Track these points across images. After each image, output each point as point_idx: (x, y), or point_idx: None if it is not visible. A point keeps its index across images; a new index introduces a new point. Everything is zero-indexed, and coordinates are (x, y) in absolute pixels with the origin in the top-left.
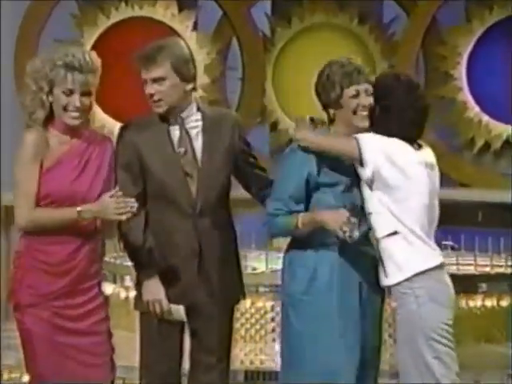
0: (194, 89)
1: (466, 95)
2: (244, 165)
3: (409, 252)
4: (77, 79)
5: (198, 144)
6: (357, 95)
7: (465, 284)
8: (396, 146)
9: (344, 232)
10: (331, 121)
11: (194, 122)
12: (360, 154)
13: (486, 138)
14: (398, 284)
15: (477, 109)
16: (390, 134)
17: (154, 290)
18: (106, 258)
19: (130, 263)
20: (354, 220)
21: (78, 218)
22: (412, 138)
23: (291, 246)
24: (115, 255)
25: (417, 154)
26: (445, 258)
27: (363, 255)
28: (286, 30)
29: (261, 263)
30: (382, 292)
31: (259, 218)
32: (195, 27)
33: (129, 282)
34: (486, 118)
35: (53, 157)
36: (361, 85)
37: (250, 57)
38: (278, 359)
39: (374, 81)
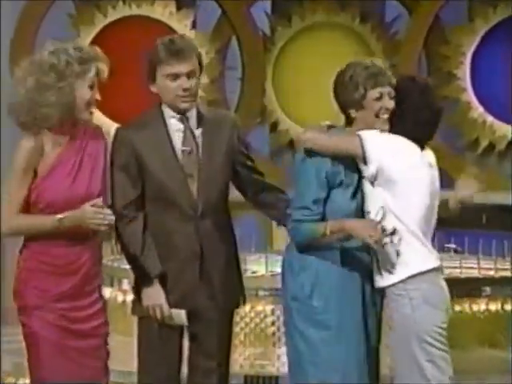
0: None
1: (470, 95)
2: (241, 167)
3: (406, 253)
4: (102, 70)
5: (200, 145)
6: (380, 97)
7: (468, 288)
8: (401, 145)
9: (374, 241)
10: (349, 122)
11: (195, 122)
12: (363, 151)
13: (490, 138)
14: (393, 285)
15: (481, 109)
16: (404, 135)
17: (154, 294)
18: (103, 261)
19: (127, 266)
20: (383, 228)
21: (59, 225)
22: (425, 139)
23: (290, 248)
24: (112, 258)
25: (421, 155)
26: (448, 261)
27: (364, 256)
28: (286, 29)
29: (260, 266)
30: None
31: (259, 221)
32: (194, 26)
33: (126, 285)
34: (490, 118)
35: (47, 163)
36: (384, 87)
37: (250, 56)
38: (279, 364)
39: (395, 84)
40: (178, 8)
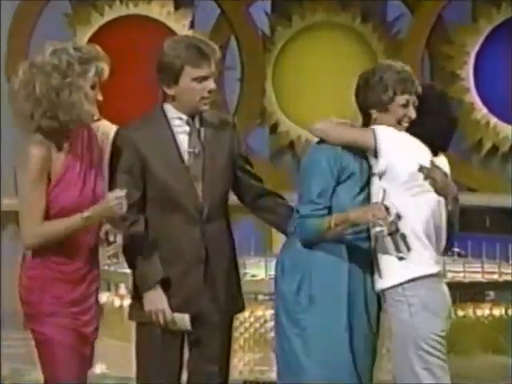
0: None
1: (474, 96)
2: (240, 172)
3: (408, 255)
4: (103, 70)
5: (204, 147)
6: (406, 105)
7: (472, 292)
8: (413, 144)
9: (379, 219)
10: (365, 123)
11: (199, 124)
12: (376, 144)
13: (494, 140)
14: (392, 289)
15: (484, 110)
16: (423, 142)
17: (157, 299)
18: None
19: (124, 270)
20: (387, 206)
21: (84, 223)
22: (440, 147)
23: (284, 248)
24: (109, 262)
25: (432, 159)
26: (451, 265)
27: (363, 259)
28: (286, 28)
29: (260, 270)
30: (378, 301)
31: (258, 224)
32: (192, 26)
33: (123, 289)
34: (494, 119)
35: (57, 169)
36: (411, 95)
37: (249, 56)
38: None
39: (420, 93)
40: (176, 7)
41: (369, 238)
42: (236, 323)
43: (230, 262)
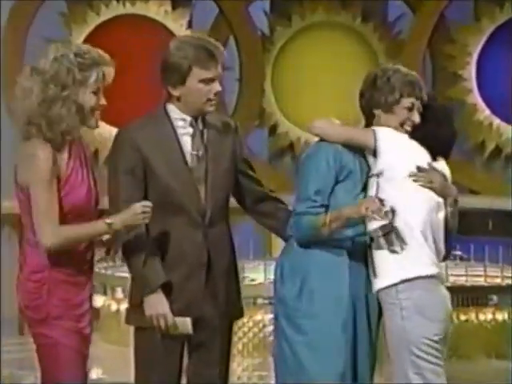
0: None
1: (476, 97)
2: (242, 176)
3: (403, 255)
4: (106, 74)
5: (207, 150)
6: (411, 108)
7: (474, 296)
8: (412, 146)
9: (372, 211)
10: (369, 123)
11: (202, 126)
12: (375, 144)
13: (497, 142)
14: (387, 290)
15: (487, 111)
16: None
17: (158, 303)
18: (96, 269)
19: (121, 274)
20: (380, 198)
21: (108, 230)
22: (441, 155)
23: (284, 252)
24: (105, 265)
25: (431, 161)
26: (453, 269)
27: (360, 262)
28: (285, 28)
29: (259, 274)
30: (379, 306)
31: (257, 227)
32: (190, 25)
33: (120, 293)
34: (496, 121)
35: (63, 171)
36: (417, 100)
37: (248, 56)
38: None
39: (425, 101)
40: (174, 7)
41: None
42: (234, 328)
43: (230, 267)
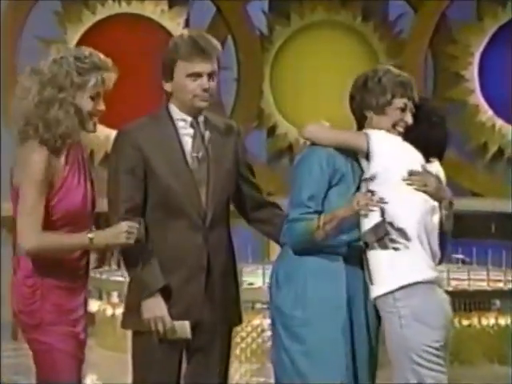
0: None
1: (478, 98)
2: (242, 181)
3: (398, 261)
4: (106, 79)
5: (209, 151)
6: (404, 109)
7: (477, 301)
8: (405, 148)
9: (364, 205)
10: (360, 127)
11: (204, 128)
12: (368, 147)
13: (500, 143)
14: (384, 297)
15: (490, 112)
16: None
17: (156, 306)
18: (91, 273)
19: (117, 278)
20: (370, 190)
21: (89, 245)
22: (434, 156)
23: (279, 258)
24: (101, 269)
25: (424, 163)
26: (455, 273)
27: (357, 269)
28: (284, 27)
29: (257, 278)
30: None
31: (255, 231)
32: (187, 25)
33: (116, 298)
34: (499, 122)
35: (59, 174)
36: (409, 101)
37: (246, 56)
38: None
39: (417, 102)
40: (170, 6)
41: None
42: (232, 333)
43: (230, 271)
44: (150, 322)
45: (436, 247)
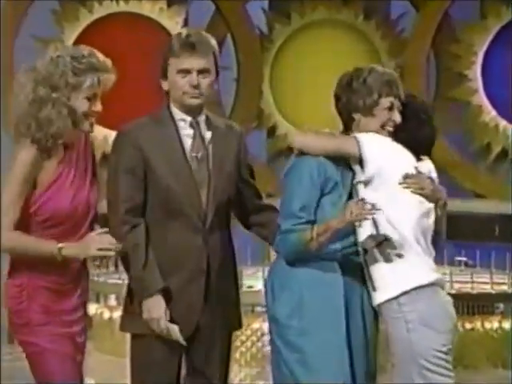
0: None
1: (482, 98)
2: (242, 183)
3: (400, 266)
4: (103, 81)
5: (209, 152)
6: (391, 108)
7: (480, 304)
8: (396, 149)
9: (356, 215)
10: (347, 129)
11: (205, 128)
12: (360, 152)
13: (504, 144)
14: (388, 304)
15: (493, 113)
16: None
17: (155, 307)
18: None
19: (114, 281)
20: (362, 198)
21: (57, 254)
22: (424, 153)
23: (273, 267)
24: (98, 272)
25: (416, 162)
26: (458, 276)
27: (354, 276)
28: (284, 26)
29: (257, 281)
30: (375, 317)
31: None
32: (186, 23)
33: (113, 301)
34: (503, 122)
35: (49, 174)
36: (396, 99)
37: (246, 56)
38: None
39: (403, 99)
40: (169, 4)
41: (359, 252)
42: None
43: (230, 274)
44: (149, 322)
45: (432, 249)
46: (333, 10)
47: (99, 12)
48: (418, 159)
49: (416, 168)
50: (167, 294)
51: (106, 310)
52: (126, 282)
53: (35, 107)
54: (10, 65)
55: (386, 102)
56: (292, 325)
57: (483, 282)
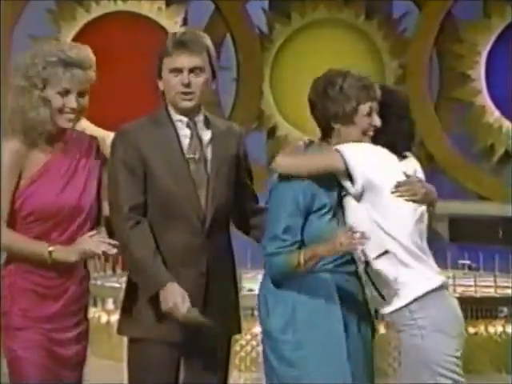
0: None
1: (485, 98)
2: (240, 188)
3: (405, 273)
4: (75, 77)
5: (208, 153)
6: (370, 113)
7: (484, 308)
8: (381, 154)
9: (346, 246)
10: (325, 136)
11: (203, 129)
12: (347, 166)
13: (507, 145)
14: (400, 311)
15: (497, 113)
16: (386, 147)
17: (170, 295)
18: None
19: (112, 284)
20: (351, 227)
21: (46, 257)
22: (404, 149)
23: (265, 282)
24: (96, 275)
25: (401, 164)
26: (462, 279)
27: (350, 287)
28: (285, 26)
29: (257, 284)
30: (371, 323)
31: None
32: (185, 23)
33: (111, 304)
34: (506, 123)
35: (35, 168)
36: (373, 102)
37: (246, 56)
38: None
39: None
40: (168, 4)
41: (353, 261)
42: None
43: (229, 277)
44: (170, 311)
45: (428, 249)
46: (334, 10)
47: (96, 11)
48: (402, 157)
49: (404, 173)
50: None
51: (103, 314)
52: (124, 285)
53: (13, 98)
54: (6, 65)
55: (365, 108)
56: (286, 339)
57: (487, 285)
